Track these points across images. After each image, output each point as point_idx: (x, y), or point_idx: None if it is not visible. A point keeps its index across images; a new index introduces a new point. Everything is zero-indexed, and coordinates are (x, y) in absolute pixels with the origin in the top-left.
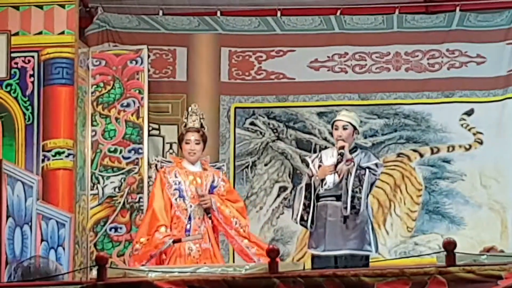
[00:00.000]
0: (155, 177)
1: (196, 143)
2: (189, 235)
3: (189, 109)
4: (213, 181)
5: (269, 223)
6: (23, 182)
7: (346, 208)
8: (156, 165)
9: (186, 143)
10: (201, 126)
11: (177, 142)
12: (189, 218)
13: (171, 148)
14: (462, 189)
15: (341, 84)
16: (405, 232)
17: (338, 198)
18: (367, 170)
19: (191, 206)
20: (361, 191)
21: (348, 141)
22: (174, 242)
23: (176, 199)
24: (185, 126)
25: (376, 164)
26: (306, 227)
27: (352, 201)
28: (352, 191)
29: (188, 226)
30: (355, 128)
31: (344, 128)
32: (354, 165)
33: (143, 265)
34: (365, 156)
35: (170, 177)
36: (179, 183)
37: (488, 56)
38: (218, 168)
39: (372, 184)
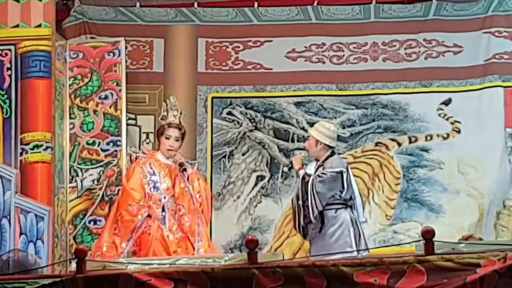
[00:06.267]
0: (128, 167)
1: (176, 140)
2: (164, 223)
3: (168, 102)
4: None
5: (246, 212)
6: (1, 176)
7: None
8: (131, 156)
9: (166, 138)
10: (179, 122)
11: (156, 134)
12: (163, 210)
13: (147, 138)
14: (440, 177)
15: (319, 75)
16: (384, 220)
17: None
18: (311, 177)
19: (165, 197)
20: (308, 199)
21: (311, 151)
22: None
23: (150, 189)
24: (165, 119)
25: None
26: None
27: (303, 211)
28: (302, 200)
29: (163, 216)
30: (317, 140)
31: (308, 139)
32: (299, 176)
33: (128, 240)
34: (330, 163)
35: (145, 167)
36: (154, 173)
37: (465, 46)
38: (190, 164)
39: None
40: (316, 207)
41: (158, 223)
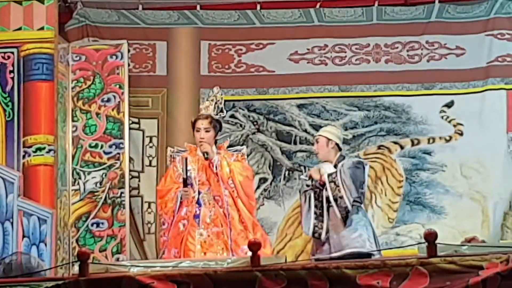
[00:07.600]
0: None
1: (206, 131)
2: (199, 221)
3: (210, 93)
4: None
5: None
6: (4, 179)
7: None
8: (172, 156)
9: (197, 131)
10: (221, 111)
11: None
12: (199, 204)
13: (150, 141)
14: (443, 179)
15: (321, 76)
16: (386, 223)
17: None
18: (336, 170)
19: (199, 192)
20: (341, 188)
21: (322, 152)
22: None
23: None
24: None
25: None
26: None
27: (337, 205)
28: (333, 196)
29: (197, 212)
30: (328, 139)
31: (317, 141)
32: (324, 184)
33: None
34: (347, 159)
35: (180, 165)
36: (189, 171)
37: (467, 48)
38: (235, 151)
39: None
40: (351, 193)
41: (193, 219)
